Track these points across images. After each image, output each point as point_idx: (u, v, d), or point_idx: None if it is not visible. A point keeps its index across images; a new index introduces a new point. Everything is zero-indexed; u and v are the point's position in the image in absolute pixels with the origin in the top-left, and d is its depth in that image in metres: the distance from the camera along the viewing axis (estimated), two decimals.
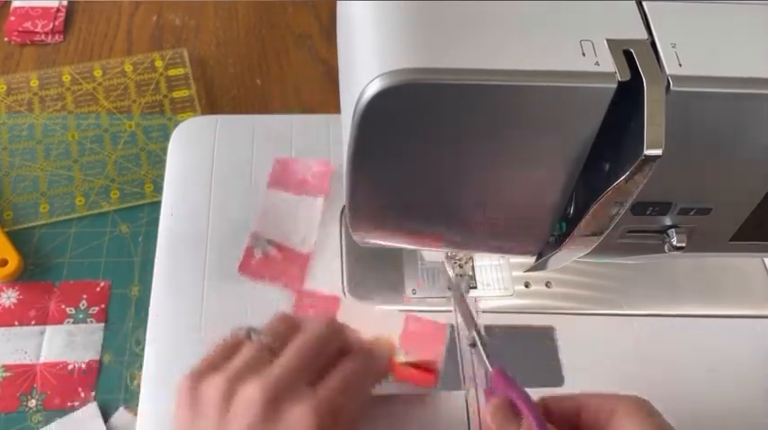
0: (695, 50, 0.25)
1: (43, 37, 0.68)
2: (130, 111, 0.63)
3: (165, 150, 0.55)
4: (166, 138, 0.56)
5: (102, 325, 0.51)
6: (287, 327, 0.37)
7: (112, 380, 0.49)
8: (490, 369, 0.39)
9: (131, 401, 0.48)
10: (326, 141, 0.54)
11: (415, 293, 0.48)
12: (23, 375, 0.49)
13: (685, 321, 0.48)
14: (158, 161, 0.59)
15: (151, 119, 0.63)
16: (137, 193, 0.58)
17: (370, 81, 0.24)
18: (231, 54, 0.69)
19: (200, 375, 0.34)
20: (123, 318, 0.52)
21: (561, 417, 0.36)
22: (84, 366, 0.49)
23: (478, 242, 0.35)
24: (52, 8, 0.70)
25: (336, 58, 0.34)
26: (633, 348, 0.46)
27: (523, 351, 0.46)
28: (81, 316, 0.51)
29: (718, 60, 0.25)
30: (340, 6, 0.33)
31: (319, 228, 0.50)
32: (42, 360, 0.49)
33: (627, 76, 0.25)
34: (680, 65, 0.25)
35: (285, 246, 0.49)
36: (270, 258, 0.48)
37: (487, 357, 0.40)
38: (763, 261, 0.51)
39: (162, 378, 0.44)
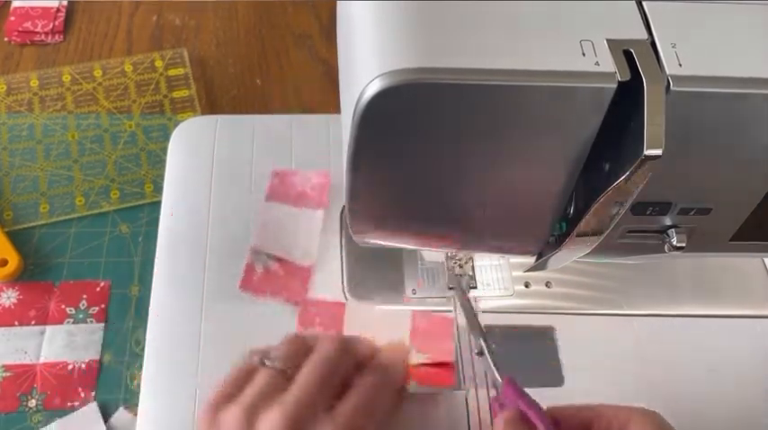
0: (695, 50, 0.25)
1: (43, 37, 0.68)
2: (130, 111, 0.63)
3: (165, 150, 0.55)
4: (166, 138, 0.56)
5: (102, 325, 0.51)
6: (298, 349, 0.37)
7: (112, 380, 0.49)
8: (499, 379, 0.38)
9: (131, 401, 0.48)
10: (326, 141, 0.54)
11: (415, 293, 0.48)
12: (23, 375, 0.49)
13: (685, 321, 0.48)
14: (158, 161, 0.59)
15: (151, 119, 0.63)
16: (137, 193, 0.58)
17: (370, 81, 0.24)
18: (231, 54, 0.69)
19: (217, 406, 0.34)
20: (123, 318, 0.51)
21: (572, 429, 0.36)
22: (84, 366, 0.49)
23: (478, 242, 0.35)
24: (52, 8, 0.70)
25: (336, 58, 0.34)
26: (633, 348, 0.46)
27: (523, 351, 0.46)
28: (81, 316, 0.51)
29: (718, 60, 0.25)
30: (340, 6, 0.33)
31: (320, 240, 0.49)
32: (42, 360, 0.49)
33: (627, 76, 0.25)
34: (680, 65, 0.25)
35: (286, 260, 0.49)
36: (271, 273, 0.48)
37: (495, 366, 0.39)
38: (763, 261, 0.51)
39: (162, 378, 0.44)
